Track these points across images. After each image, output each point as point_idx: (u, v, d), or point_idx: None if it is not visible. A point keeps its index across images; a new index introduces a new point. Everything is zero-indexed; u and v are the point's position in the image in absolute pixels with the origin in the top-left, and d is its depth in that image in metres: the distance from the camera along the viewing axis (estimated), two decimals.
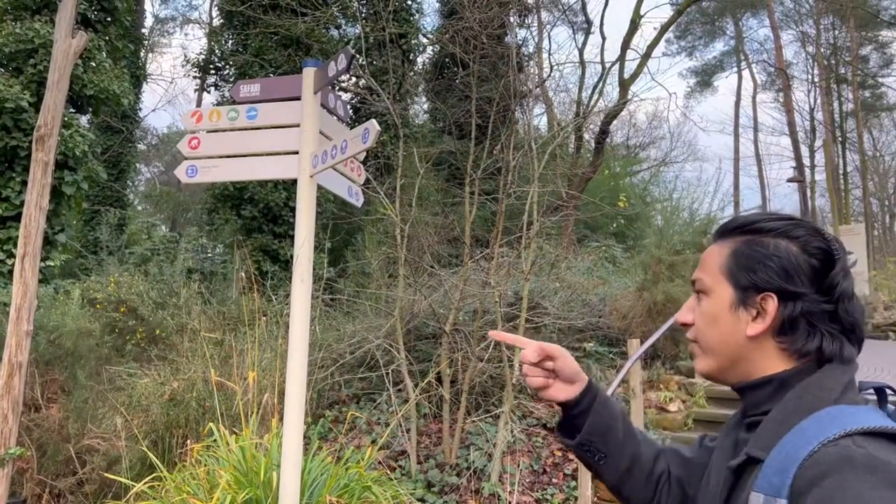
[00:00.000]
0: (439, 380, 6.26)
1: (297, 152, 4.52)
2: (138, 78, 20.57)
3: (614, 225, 17.01)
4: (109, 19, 9.16)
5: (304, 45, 13.15)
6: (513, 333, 4.93)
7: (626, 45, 16.34)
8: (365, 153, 5.54)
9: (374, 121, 4.13)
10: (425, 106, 20.04)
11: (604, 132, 16.59)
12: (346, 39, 15.61)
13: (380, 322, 6.50)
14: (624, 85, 16.37)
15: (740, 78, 38.50)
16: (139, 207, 30.16)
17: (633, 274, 8.76)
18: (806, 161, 34.12)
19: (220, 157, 4.81)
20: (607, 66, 17.78)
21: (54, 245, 8.56)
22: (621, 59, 16.43)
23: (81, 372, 6.07)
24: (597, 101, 18.99)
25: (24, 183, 8.44)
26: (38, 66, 8.16)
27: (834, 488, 0.82)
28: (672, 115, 41.78)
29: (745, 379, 1.06)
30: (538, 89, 22.83)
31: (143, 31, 21.84)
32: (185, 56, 14.86)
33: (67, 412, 5.98)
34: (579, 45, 19.22)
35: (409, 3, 16.44)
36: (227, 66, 13.49)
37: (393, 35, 15.21)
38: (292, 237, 13.13)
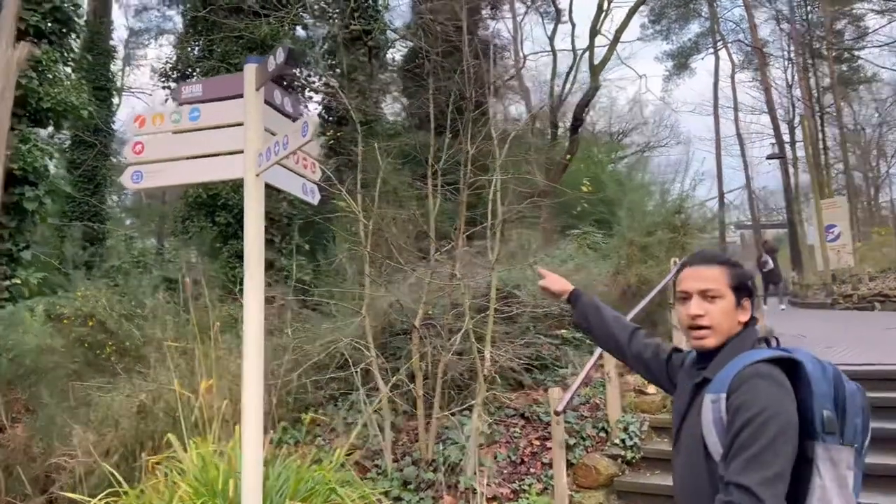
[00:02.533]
0: (413, 376, 6.17)
1: (242, 151, 4.40)
2: (109, 90, 20.39)
3: (598, 211, 16.99)
4: (65, 30, 9.01)
5: (270, 47, 12.98)
6: (484, 325, 4.66)
7: (594, 30, 16.28)
8: (320, 149, 5.44)
9: (311, 113, 4.03)
10: (402, 102, 19.94)
11: (577, 119, 16.54)
12: (313, 39, 15.52)
13: (351, 321, 6.40)
14: (594, 71, 16.30)
15: (717, 59, 38.52)
16: (127, 221, 29.88)
17: (612, 259, 8.69)
18: (786, 137, 34.22)
19: (165, 160, 4.69)
20: (578, 53, 17.83)
21: (19, 262, 8.41)
22: (591, 45, 16.37)
23: (45, 390, 5.94)
24: (570, 89, 19.03)
25: None
26: None
27: (748, 386, 1.67)
28: (644, 98, 41.62)
29: (726, 338, 1.87)
30: (511, 80, 22.82)
31: (112, 43, 21.58)
32: (152, 66, 14.78)
33: (32, 431, 5.85)
34: (549, 34, 19.13)
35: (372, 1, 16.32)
36: (194, 74, 13.32)
37: (357, 32, 15.13)
38: (268, 241, 13.07)
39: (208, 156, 4.59)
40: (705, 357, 1.88)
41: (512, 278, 8.68)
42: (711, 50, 38.28)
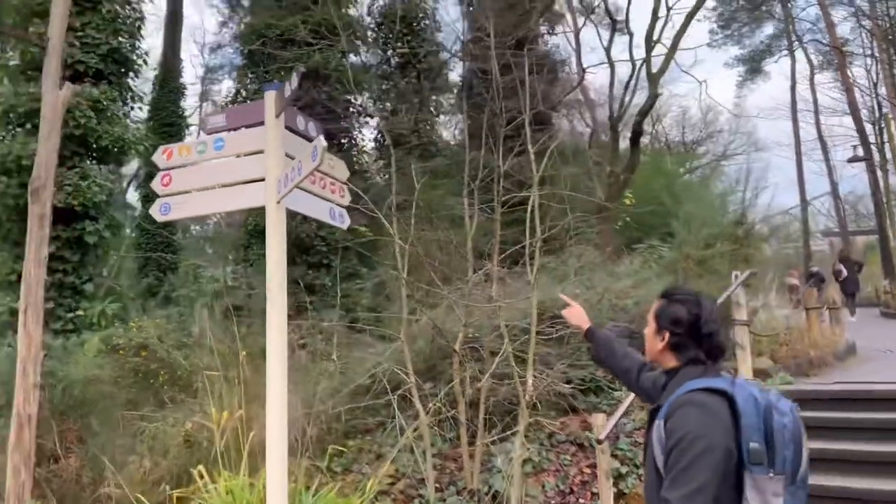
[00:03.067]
0: (455, 402, 5.98)
1: (264, 179, 4.37)
2: (180, 126, 21.21)
3: (665, 224, 16.38)
4: (123, 70, 9.39)
5: (322, 76, 13.23)
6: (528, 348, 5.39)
7: (649, 39, 15.79)
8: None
9: (321, 137, 3.96)
10: (457, 122, 19.90)
11: (637, 131, 16.01)
12: (367, 65, 15.70)
13: (390, 345, 6.28)
14: (652, 80, 15.80)
15: (793, 60, 36.80)
16: (209, 251, 30.79)
17: (672, 275, 8.27)
18: (872, 139, 32.30)
19: (191, 191, 4.70)
20: (638, 63, 17.32)
21: (83, 294, 8.72)
22: (647, 54, 15.87)
23: (95, 420, 6.06)
24: (630, 100, 18.48)
25: (49, 237, 8.64)
26: None
27: (680, 412, 1.86)
28: (717, 105, 40.15)
29: (663, 367, 2.14)
30: (570, 95, 22.44)
31: (184, 80, 22.48)
32: (213, 101, 15.28)
33: (83, 461, 5.96)
34: (605, 45, 18.68)
35: (425, 23, 16.39)
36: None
37: (408, 56, 15.21)
38: (326, 266, 13.17)
39: (232, 184, 4.57)
40: (669, 377, 2.12)
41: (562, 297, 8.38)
42: (786, 52, 36.70)
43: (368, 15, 16.44)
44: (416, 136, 14.66)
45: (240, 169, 4.54)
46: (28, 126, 8.38)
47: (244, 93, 14.16)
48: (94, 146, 8.62)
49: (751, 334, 8.02)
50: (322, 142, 3.75)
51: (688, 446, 1.79)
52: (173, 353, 6.80)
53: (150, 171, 19.63)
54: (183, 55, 23.84)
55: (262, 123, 4.45)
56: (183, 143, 4.75)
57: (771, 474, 1.80)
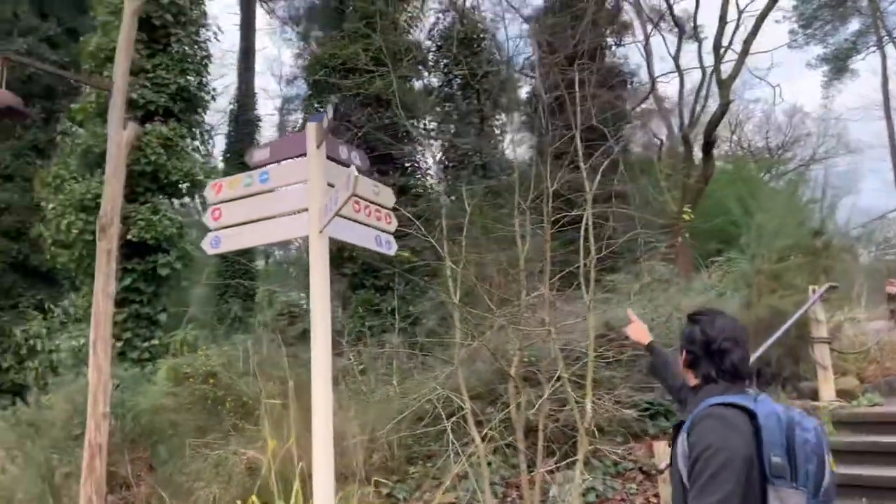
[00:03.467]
0: (509, 427, 5.83)
1: (307, 209, 4.41)
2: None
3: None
4: (191, 107, 9.78)
5: (385, 101, 13.39)
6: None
7: (717, 44, 15.26)
8: (394, 199, 5.34)
9: (353, 166, 3.96)
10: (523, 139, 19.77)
11: (709, 139, 15.41)
12: (429, 88, 15.82)
13: (444, 370, 6.21)
14: (723, 86, 15.23)
15: (884, 57, 34.78)
16: (294, 275, 31.51)
17: (744, 289, 7.86)
18: None
19: (240, 224, 4.79)
20: (708, 70, 16.70)
21: (158, 324, 9.07)
22: (716, 59, 15.33)
23: (164, 448, 6.22)
24: (701, 108, 17.82)
25: (125, 270, 9.07)
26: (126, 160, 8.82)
27: (700, 426, 1.95)
28: (803, 108, 38.36)
29: (688, 385, 2.29)
30: (640, 106, 21.93)
31: (256, 112, 23.25)
32: (286, 131, 15.79)
33: (152, 489, 6.13)
34: (673, 53, 18.16)
35: (486, 43, 16.39)
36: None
37: (467, 77, 15.22)
38: (392, 289, 13.23)
39: (278, 216, 4.64)
40: (691, 395, 2.24)
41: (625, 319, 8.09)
42: (874, 48, 34.76)
43: (429, 39, 16.63)
44: (478, 157, 14.65)
45: (284, 200, 4.60)
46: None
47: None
48: (165, 181, 9.01)
49: (834, 352, 7.51)
50: (354, 171, 3.74)
51: (710, 458, 1.87)
52: (236, 380, 6.93)
53: None
54: (262, 87, 24.75)
55: (304, 154, 4.51)
56: (232, 178, 4.85)
57: (794, 487, 1.87)
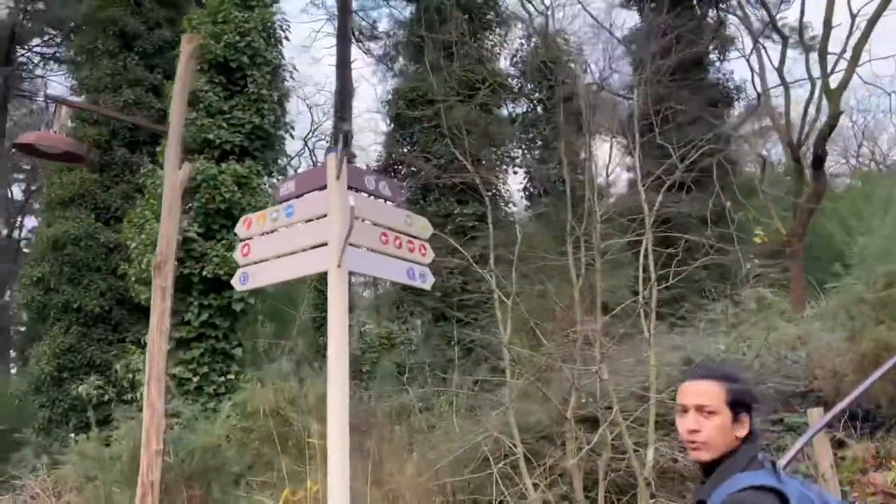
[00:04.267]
0: (563, 475, 5.34)
1: (327, 243, 4.24)
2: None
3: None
4: (266, 145, 10.02)
5: (466, 131, 13.21)
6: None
7: (823, 52, 14.08)
8: (431, 229, 5.11)
9: (350, 197, 3.75)
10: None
11: (819, 155, 14.15)
12: (513, 116, 15.57)
13: (492, 412, 5.82)
14: (831, 97, 13.99)
15: None
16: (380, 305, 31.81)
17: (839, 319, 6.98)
18: None
19: (267, 259, 4.70)
20: (817, 81, 15.43)
21: (233, 359, 9.21)
22: (822, 68, 14.14)
23: (216, 486, 6.18)
24: (812, 121, 16.42)
25: (202, 306, 9.29)
26: (202, 199, 9.12)
27: None
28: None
29: (720, 455, 1.87)
30: (748, 121, 20.64)
31: (350, 149, 23.80)
32: (367, 165, 16.20)
33: None
34: (776, 65, 16.91)
35: (571, 65, 15.93)
36: (399, 167, 14.06)
37: (557, 101, 14.78)
38: (473, 322, 12.91)
39: (301, 250, 4.50)
40: (706, 470, 1.90)
41: (719, 351, 7.39)
42: None
43: (513, 66, 16.43)
44: (561, 183, 14.17)
45: (307, 234, 4.45)
46: (185, 202, 9.18)
47: (394, 156, 14.63)
48: (238, 218, 9.18)
49: None
50: (351, 200, 3.54)
51: None
52: (294, 417, 6.83)
53: None
54: (361, 122, 25.39)
55: (325, 187, 4.35)
56: (260, 213, 4.77)
57: None
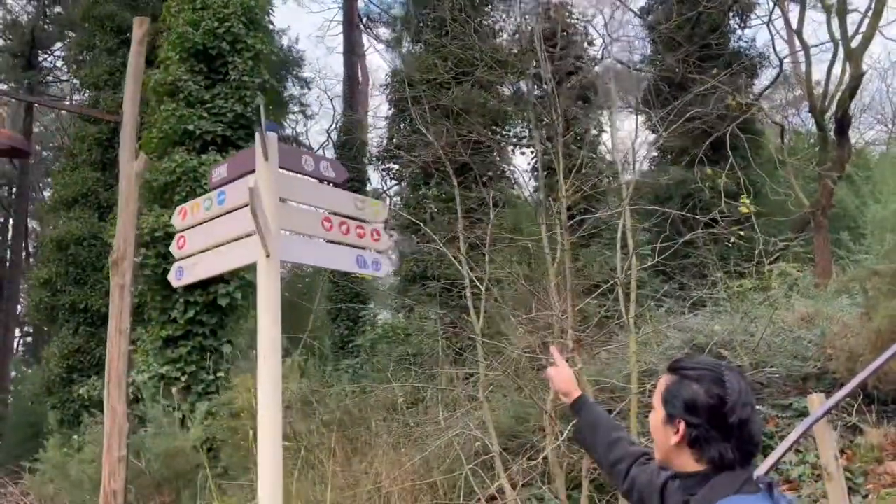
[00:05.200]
0: (545, 475, 4.92)
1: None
2: (363, 181, 22.02)
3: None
4: (249, 134, 9.67)
5: (466, 111, 12.74)
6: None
7: (842, 10, 13.23)
8: (385, 213, 4.74)
9: (250, 177, 3.35)
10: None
11: (842, 119, 13.34)
12: (518, 94, 14.98)
13: (468, 407, 5.41)
14: (852, 56, 13.18)
15: None
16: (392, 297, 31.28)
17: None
18: None
19: (200, 252, 4.33)
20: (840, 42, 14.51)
21: (222, 356, 8.93)
22: (841, 27, 13.30)
23: (187, 492, 5.89)
24: (838, 84, 15.52)
25: (188, 303, 9.01)
26: (182, 192, 8.82)
27: None
28: None
29: (679, 470, 1.60)
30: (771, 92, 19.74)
31: (358, 136, 23.39)
32: (369, 153, 15.83)
33: None
34: (795, 26, 15.95)
35: (575, 38, 15.29)
36: (399, 151, 13.65)
37: (561, 76, 14.19)
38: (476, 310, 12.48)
39: (231, 241, 4.12)
40: (688, 484, 1.59)
41: (729, 331, 6.87)
42: None
43: (514, 42, 15.79)
44: (570, 160, 13.54)
45: (237, 223, 4.05)
46: (166, 197, 8.91)
47: (395, 140, 14.24)
48: None
49: None
50: (251, 181, 3.14)
51: None
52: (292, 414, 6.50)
53: None
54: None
55: (255, 171, 3.96)
56: (194, 201, 4.39)
57: None
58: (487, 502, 5.24)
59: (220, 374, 8.74)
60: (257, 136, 3.89)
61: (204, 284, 9.03)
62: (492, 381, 5.65)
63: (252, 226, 3.89)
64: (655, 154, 21.06)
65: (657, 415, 1.63)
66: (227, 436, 6.74)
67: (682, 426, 1.54)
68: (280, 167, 3.94)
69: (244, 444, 6.49)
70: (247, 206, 4.02)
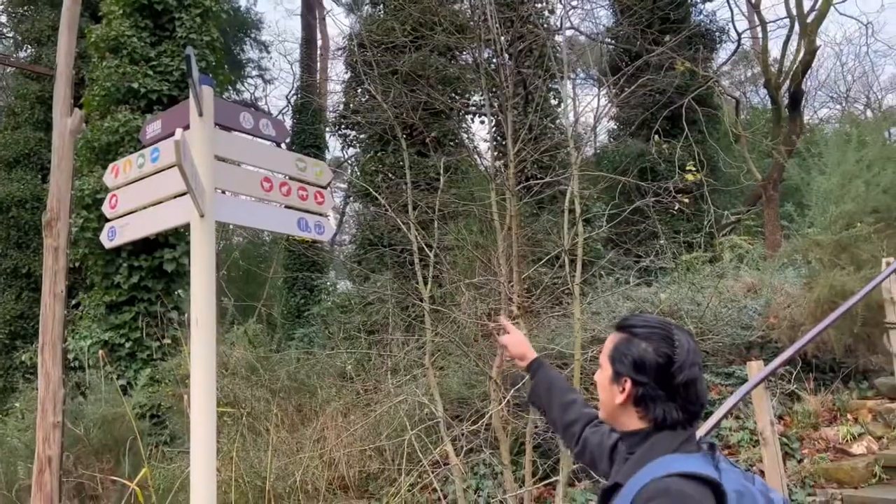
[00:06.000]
0: (489, 441, 4.92)
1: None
2: (320, 147, 21.66)
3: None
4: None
5: (423, 77, 12.54)
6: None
7: None
8: (330, 175, 4.62)
9: (178, 131, 3.18)
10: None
11: (795, 93, 13.56)
12: (478, 61, 14.74)
13: (414, 373, 5.37)
14: (807, 32, 13.33)
15: None
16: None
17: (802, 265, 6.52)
18: None
19: (133, 211, 4.14)
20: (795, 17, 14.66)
21: (169, 323, 8.72)
22: (797, 1, 13.42)
23: (127, 459, 5.76)
24: (794, 59, 15.69)
25: (132, 267, 8.75)
26: (125, 153, 8.50)
27: None
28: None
29: (622, 429, 1.59)
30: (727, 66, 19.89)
31: (317, 99, 22.97)
32: (326, 118, 15.47)
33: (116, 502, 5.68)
34: (754, 1, 16.07)
35: (539, 5, 15.11)
36: (357, 116, 13.38)
37: (516, 46, 14.04)
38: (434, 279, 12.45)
39: (164, 200, 3.94)
40: (631, 442, 1.56)
41: (676, 300, 6.96)
42: None
43: (473, 7, 15.51)
44: (528, 130, 13.46)
45: (171, 181, 3.87)
46: (109, 158, 8.56)
47: (352, 105, 13.98)
48: None
49: None
50: (179, 134, 2.97)
51: None
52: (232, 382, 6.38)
53: None
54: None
55: (189, 127, 3.78)
56: (127, 158, 4.19)
57: None
58: (432, 467, 5.24)
59: (167, 340, 8.54)
60: (190, 90, 3.71)
61: (149, 249, 8.78)
62: (439, 348, 5.61)
63: (185, 185, 3.73)
64: (615, 126, 21.21)
65: (604, 373, 1.61)
66: (172, 403, 6.60)
67: (628, 385, 1.53)
68: (216, 124, 3.79)
69: (188, 411, 6.35)
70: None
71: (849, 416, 5.52)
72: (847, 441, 5.09)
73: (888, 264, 5.50)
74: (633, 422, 1.54)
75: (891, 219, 6.07)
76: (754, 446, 5.18)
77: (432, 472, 4.99)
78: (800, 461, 5.08)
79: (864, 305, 5.69)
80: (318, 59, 25.53)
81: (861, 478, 4.71)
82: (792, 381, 5.76)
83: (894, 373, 5.49)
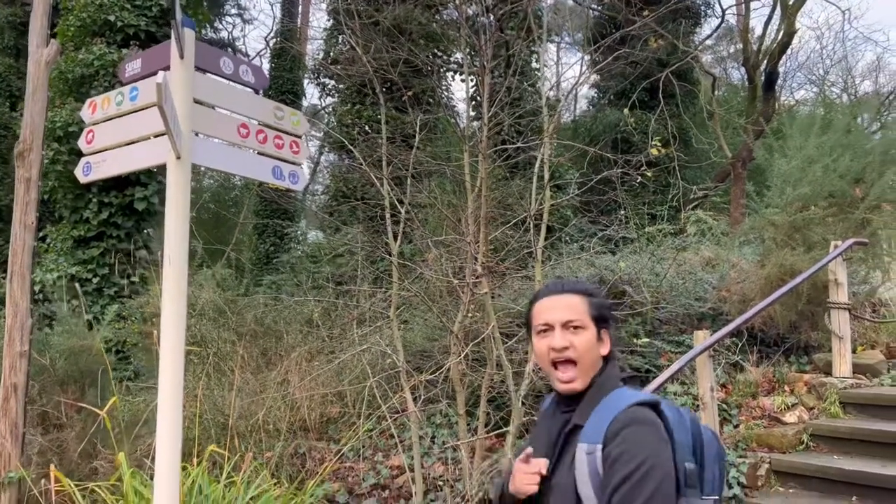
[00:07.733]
0: (446, 392, 5.14)
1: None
2: (297, 94, 21.42)
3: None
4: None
5: (406, 31, 12.46)
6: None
7: None
8: (307, 125, 4.69)
9: (160, 73, 3.25)
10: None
11: (771, 74, 13.78)
12: (460, 19, 14.65)
13: (378, 325, 5.54)
14: (788, 14, 13.49)
15: None
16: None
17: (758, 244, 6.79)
18: None
19: (110, 148, 4.19)
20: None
21: (137, 260, 8.75)
22: None
23: (92, 391, 5.88)
24: (773, 40, 15.86)
25: (101, 203, 8.72)
26: (100, 87, 8.40)
27: (628, 433, 1.50)
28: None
29: (592, 375, 1.68)
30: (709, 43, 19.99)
31: (296, 46, 22.62)
32: (305, 66, 15.26)
33: (80, 433, 5.82)
34: None
35: None
36: (337, 66, 13.26)
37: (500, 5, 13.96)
38: (404, 235, 12.57)
39: (141, 139, 4.00)
40: (571, 397, 1.69)
41: (636, 270, 7.18)
42: None
43: None
44: (507, 93, 13.48)
45: (149, 121, 3.93)
46: (83, 91, 8.44)
47: (332, 54, 13.85)
48: None
49: (858, 320, 6.42)
50: (161, 77, 3.03)
51: (643, 479, 1.46)
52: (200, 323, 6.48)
53: None
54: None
55: (169, 68, 3.82)
56: (105, 95, 4.21)
57: (704, 496, 1.61)
58: (391, 414, 5.45)
59: (135, 278, 8.58)
60: (172, 31, 3.75)
61: (120, 186, 8.74)
62: (405, 302, 5.78)
63: (164, 126, 3.80)
64: (595, 94, 21.30)
65: (587, 333, 1.68)
66: (138, 340, 6.70)
67: (607, 336, 1.72)
68: (196, 67, 3.85)
69: (155, 348, 6.47)
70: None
71: (786, 387, 5.85)
72: (781, 410, 5.42)
73: (835, 247, 5.79)
74: (598, 366, 1.70)
75: (844, 203, 6.33)
76: (696, 410, 5.49)
77: (390, 419, 5.20)
78: (736, 426, 5.40)
79: (810, 285, 6.00)
80: (299, 1, 25.02)
81: (790, 444, 5.04)
82: (737, 352, 6.06)
83: (832, 349, 5.82)
